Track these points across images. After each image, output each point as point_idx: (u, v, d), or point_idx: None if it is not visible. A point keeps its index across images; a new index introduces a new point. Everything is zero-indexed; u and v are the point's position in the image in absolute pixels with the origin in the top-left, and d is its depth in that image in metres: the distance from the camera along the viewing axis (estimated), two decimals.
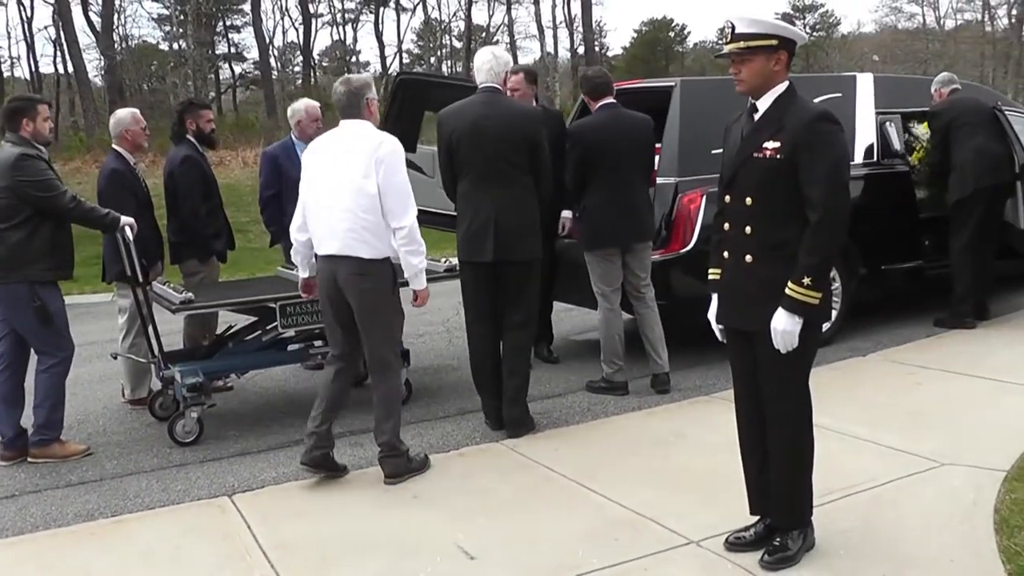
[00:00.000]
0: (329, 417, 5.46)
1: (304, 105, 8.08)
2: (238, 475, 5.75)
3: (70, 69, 39.55)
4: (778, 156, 3.87)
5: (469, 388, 6.73)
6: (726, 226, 4.12)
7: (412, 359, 7.13)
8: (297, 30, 54.93)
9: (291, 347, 6.88)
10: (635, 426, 6.30)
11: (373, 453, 5.71)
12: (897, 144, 8.66)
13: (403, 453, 5.49)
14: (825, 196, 3.78)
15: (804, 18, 58.42)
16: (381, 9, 53.65)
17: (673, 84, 7.93)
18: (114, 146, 7.06)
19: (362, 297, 5.30)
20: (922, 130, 8.76)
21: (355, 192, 5.20)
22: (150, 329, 6.45)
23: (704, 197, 7.21)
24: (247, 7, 49.20)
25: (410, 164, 5.83)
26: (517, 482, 5.38)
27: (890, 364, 7.41)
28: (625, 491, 5.06)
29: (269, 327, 6.61)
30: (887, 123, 8.63)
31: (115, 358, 7.12)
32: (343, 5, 54.38)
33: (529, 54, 53.33)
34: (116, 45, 41.81)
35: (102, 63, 39.96)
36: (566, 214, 7.20)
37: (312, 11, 51.80)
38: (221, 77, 53.39)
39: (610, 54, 60.47)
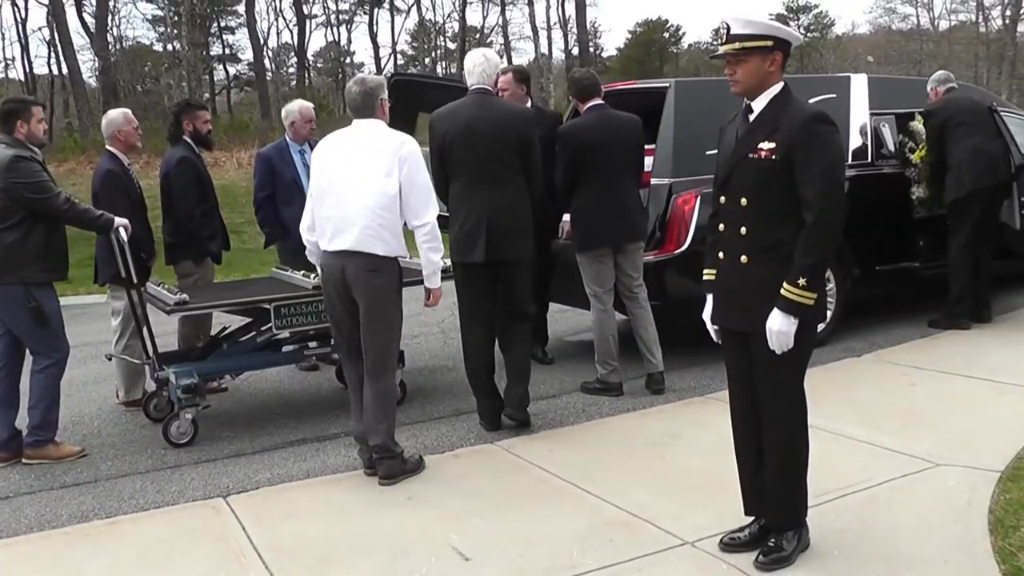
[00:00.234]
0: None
1: (298, 106, 8.08)
2: (233, 476, 5.74)
3: (64, 70, 39.49)
4: (773, 157, 3.87)
5: (464, 389, 6.73)
6: (721, 227, 4.12)
7: (407, 360, 7.13)
8: (291, 31, 55.06)
9: (286, 348, 6.88)
10: (630, 427, 6.30)
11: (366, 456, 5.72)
12: (891, 145, 8.66)
13: (398, 455, 5.48)
14: (820, 197, 3.78)
15: (799, 19, 58.60)
16: (375, 10, 53.70)
17: (668, 85, 7.94)
18: (107, 147, 7.05)
19: (372, 294, 5.31)
20: (923, 128, 8.72)
21: (376, 190, 5.25)
22: (144, 331, 6.44)
23: (698, 198, 7.21)
24: (241, 8, 49.15)
25: None
26: (512, 483, 5.38)
27: (885, 365, 7.41)
28: (620, 492, 5.06)
29: (264, 328, 6.60)
30: (881, 124, 8.63)
31: (110, 359, 7.12)
32: (337, 6, 54.51)
33: (523, 55, 53.54)
34: (110, 46, 41.88)
35: (96, 64, 40.04)
36: (567, 218, 7.18)
37: (306, 12, 51.89)
38: (215, 78, 53.41)
39: (604, 55, 60.73)
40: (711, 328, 4.30)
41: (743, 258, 4.00)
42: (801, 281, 3.80)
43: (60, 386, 6.16)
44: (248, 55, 51.36)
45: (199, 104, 8.26)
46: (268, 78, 48.28)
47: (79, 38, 41.07)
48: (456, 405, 6.94)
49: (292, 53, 53.93)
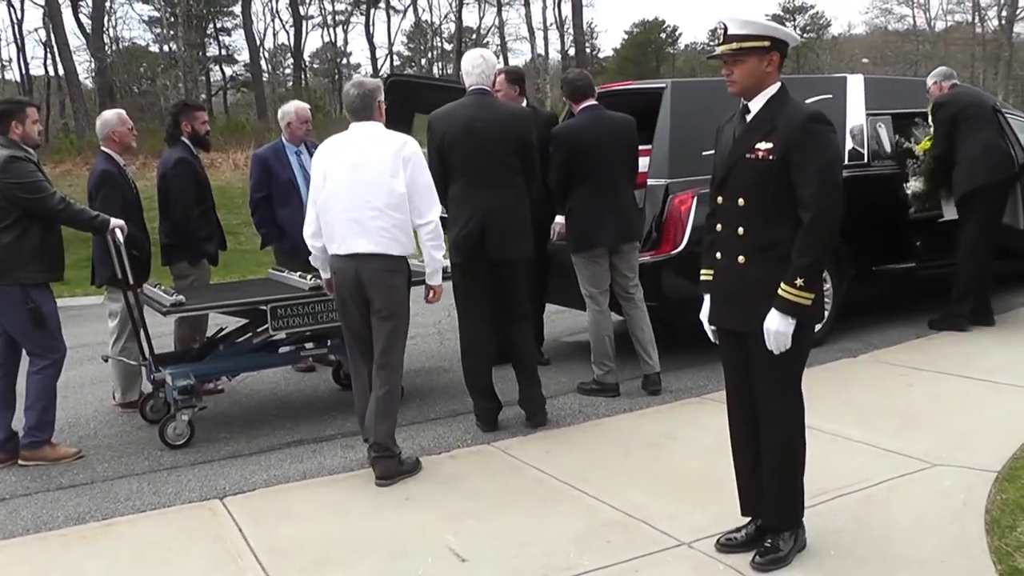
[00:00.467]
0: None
1: (294, 107, 8.07)
2: (229, 478, 5.73)
3: (60, 71, 39.48)
4: (770, 157, 3.87)
5: (460, 390, 6.73)
6: (718, 227, 4.12)
7: (404, 361, 7.11)
8: (288, 32, 55.15)
9: (282, 349, 6.86)
10: (626, 428, 6.30)
11: (364, 455, 5.71)
12: (888, 145, 8.64)
13: (395, 455, 5.49)
14: (817, 197, 3.78)
15: (795, 20, 58.65)
16: (372, 11, 53.70)
17: (664, 86, 7.94)
18: (103, 148, 7.04)
19: (390, 294, 5.41)
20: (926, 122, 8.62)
21: (385, 191, 5.32)
22: (141, 332, 6.44)
23: (695, 198, 7.21)
24: (238, 9, 49.20)
25: None
26: (508, 484, 5.38)
27: (881, 365, 7.42)
28: (617, 493, 5.06)
29: (260, 329, 6.59)
30: (878, 124, 8.62)
31: (106, 361, 7.11)
32: (334, 7, 54.50)
33: (520, 56, 53.54)
34: (106, 47, 41.86)
35: (92, 65, 40.03)
36: (559, 220, 7.17)
37: (303, 13, 51.91)
38: (212, 79, 53.34)
39: (601, 56, 60.69)
40: (708, 328, 4.30)
41: (740, 258, 4.00)
42: (799, 281, 3.80)
43: (57, 387, 6.15)
44: (244, 56, 51.48)
45: (197, 105, 8.25)
46: (264, 79, 48.31)
47: (75, 39, 41.09)
48: (453, 406, 6.94)
49: (288, 54, 54.06)
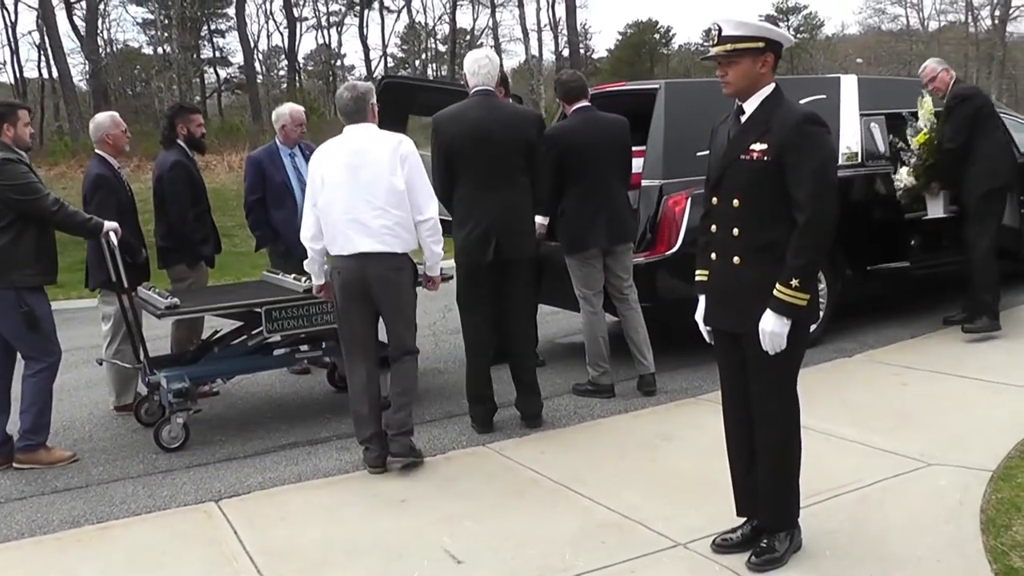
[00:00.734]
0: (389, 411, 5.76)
1: (289, 110, 8.07)
2: (224, 480, 5.72)
3: (55, 74, 39.34)
4: (765, 158, 3.87)
5: (455, 392, 6.74)
6: (713, 228, 4.12)
7: None
8: (282, 34, 55.03)
9: (277, 352, 6.86)
10: (621, 429, 6.30)
11: (359, 457, 5.73)
12: (882, 145, 8.62)
13: (411, 432, 5.73)
14: (812, 197, 3.78)
15: (788, 20, 58.64)
16: (365, 12, 53.64)
17: (658, 86, 7.94)
18: (97, 151, 7.03)
19: (397, 290, 5.60)
20: (926, 113, 8.22)
21: (387, 190, 5.45)
22: (135, 335, 6.43)
23: (689, 199, 7.21)
24: (232, 11, 49.14)
25: None
26: (504, 485, 5.38)
27: (876, 365, 7.42)
28: (612, 494, 5.06)
29: (255, 332, 6.59)
30: (872, 124, 8.60)
31: (101, 364, 7.10)
32: (328, 9, 54.38)
33: (514, 57, 53.62)
34: (100, 49, 41.78)
35: (87, 68, 39.90)
36: (539, 219, 7.12)
37: (297, 15, 51.81)
38: (206, 81, 53.25)
39: (595, 57, 60.62)
40: (703, 329, 4.30)
41: (736, 259, 4.00)
42: (794, 282, 3.80)
43: (52, 390, 6.14)
44: (239, 58, 51.34)
45: (193, 108, 8.27)
46: (259, 81, 48.20)
47: (69, 42, 40.96)
48: (448, 408, 6.94)
49: (282, 56, 53.92)
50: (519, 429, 6.35)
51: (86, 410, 7.42)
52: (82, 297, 11.53)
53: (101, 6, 42.09)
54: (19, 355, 6.11)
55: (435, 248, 5.71)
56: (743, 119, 4.01)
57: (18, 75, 45.31)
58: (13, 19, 43.79)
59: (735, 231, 4.00)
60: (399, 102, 7.99)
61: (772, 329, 3.85)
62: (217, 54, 54.47)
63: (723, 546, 4.27)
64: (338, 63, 56.94)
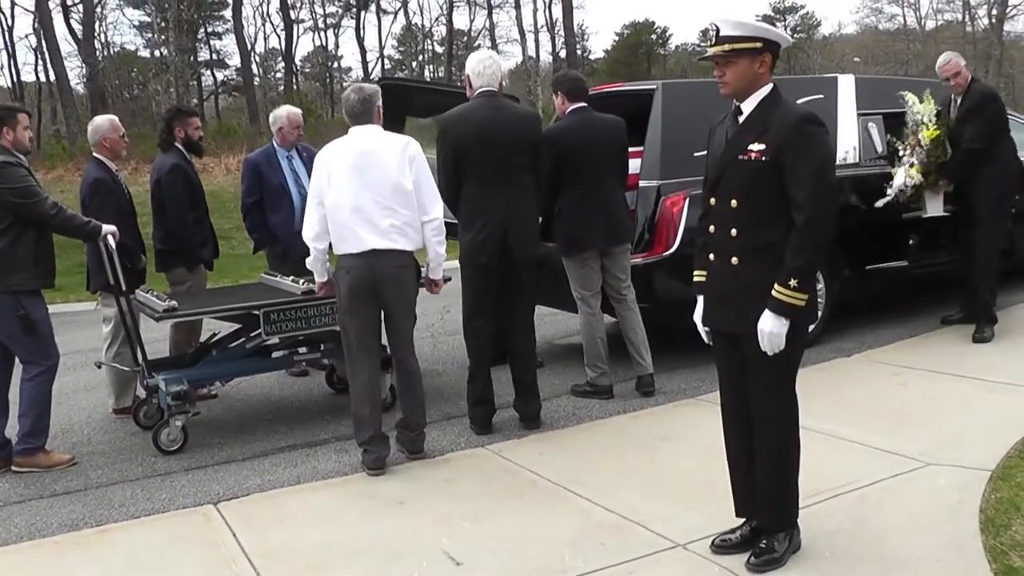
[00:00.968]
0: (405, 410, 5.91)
1: (286, 112, 8.06)
2: (223, 483, 5.72)
3: (52, 77, 39.33)
4: (763, 158, 3.87)
5: (453, 393, 6.73)
6: (711, 228, 4.12)
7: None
8: (279, 36, 55.20)
9: (275, 354, 6.85)
10: (620, 429, 6.30)
11: (358, 459, 5.74)
12: (880, 145, 8.61)
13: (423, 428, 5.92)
14: (810, 198, 3.78)
15: (785, 20, 58.68)
16: (362, 13, 53.66)
17: (655, 87, 7.94)
18: (95, 154, 7.02)
19: (404, 287, 5.70)
20: (928, 109, 8.03)
21: (395, 190, 5.53)
22: (134, 338, 6.43)
23: (687, 200, 7.20)
24: (228, 14, 49.13)
25: None
26: (502, 487, 5.38)
27: (875, 364, 7.42)
28: (611, 494, 5.06)
29: (253, 334, 6.58)
30: (869, 124, 8.59)
31: (99, 367, 7.10)
32: (324, 11, 54.43)
33: (511, 58, 53.45)
34: (98, 53, 41.79)
35: (84, 71, 39.93)
36: None
37: (293, 17, 51.82)
38: (203, 84, 53.30)
39: (592, 57, 60.69)
40: (702, 330, 4.30)
41: (734, 260, 4.00)
42: (792, 282, 3.80)
43: (51, 394, 6.14)
44: (235, 60, 51.33)
45: (190, 111, 8.26)
46: (256, 83, 48.21)
47: (66, 45, 41.04)
48: (446, 409, 6.93)
49: (279, 58, 53.86)
50: (518, 430, 6.35)
51: (85, 413, 7.41)
52: (81, 300, 11.55)
53: (98, 9, 42.15)
54: (17, 359, 6.11)
55: (439, 249, 5.79)
56: (741, 119, 4.01)
57: (15, 79, 45.39)
58: (10, 23, 43.88)
59: (733, 231, 4.00)
60: (396, 104, 7.97)
61: (771, 329, 3.84)
62: (214, 57, 54.59)
63: (722, 547, 4.27)
64: (335, 65, 57.08)
